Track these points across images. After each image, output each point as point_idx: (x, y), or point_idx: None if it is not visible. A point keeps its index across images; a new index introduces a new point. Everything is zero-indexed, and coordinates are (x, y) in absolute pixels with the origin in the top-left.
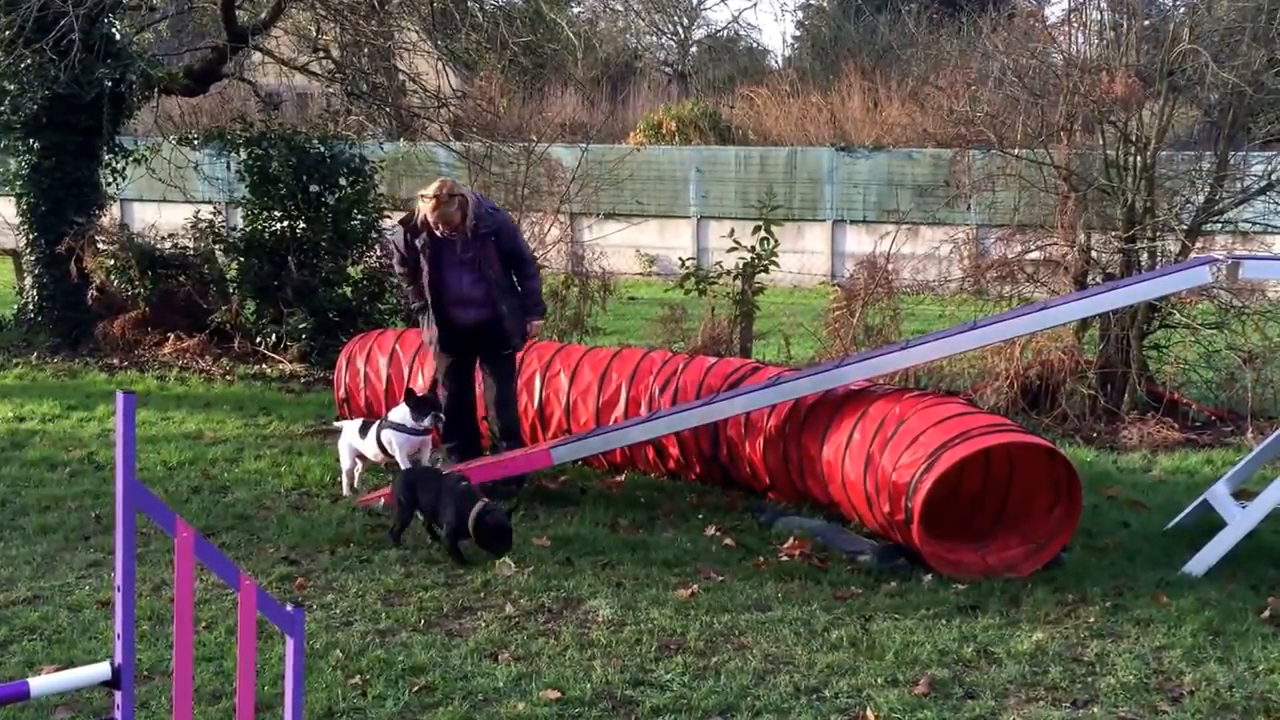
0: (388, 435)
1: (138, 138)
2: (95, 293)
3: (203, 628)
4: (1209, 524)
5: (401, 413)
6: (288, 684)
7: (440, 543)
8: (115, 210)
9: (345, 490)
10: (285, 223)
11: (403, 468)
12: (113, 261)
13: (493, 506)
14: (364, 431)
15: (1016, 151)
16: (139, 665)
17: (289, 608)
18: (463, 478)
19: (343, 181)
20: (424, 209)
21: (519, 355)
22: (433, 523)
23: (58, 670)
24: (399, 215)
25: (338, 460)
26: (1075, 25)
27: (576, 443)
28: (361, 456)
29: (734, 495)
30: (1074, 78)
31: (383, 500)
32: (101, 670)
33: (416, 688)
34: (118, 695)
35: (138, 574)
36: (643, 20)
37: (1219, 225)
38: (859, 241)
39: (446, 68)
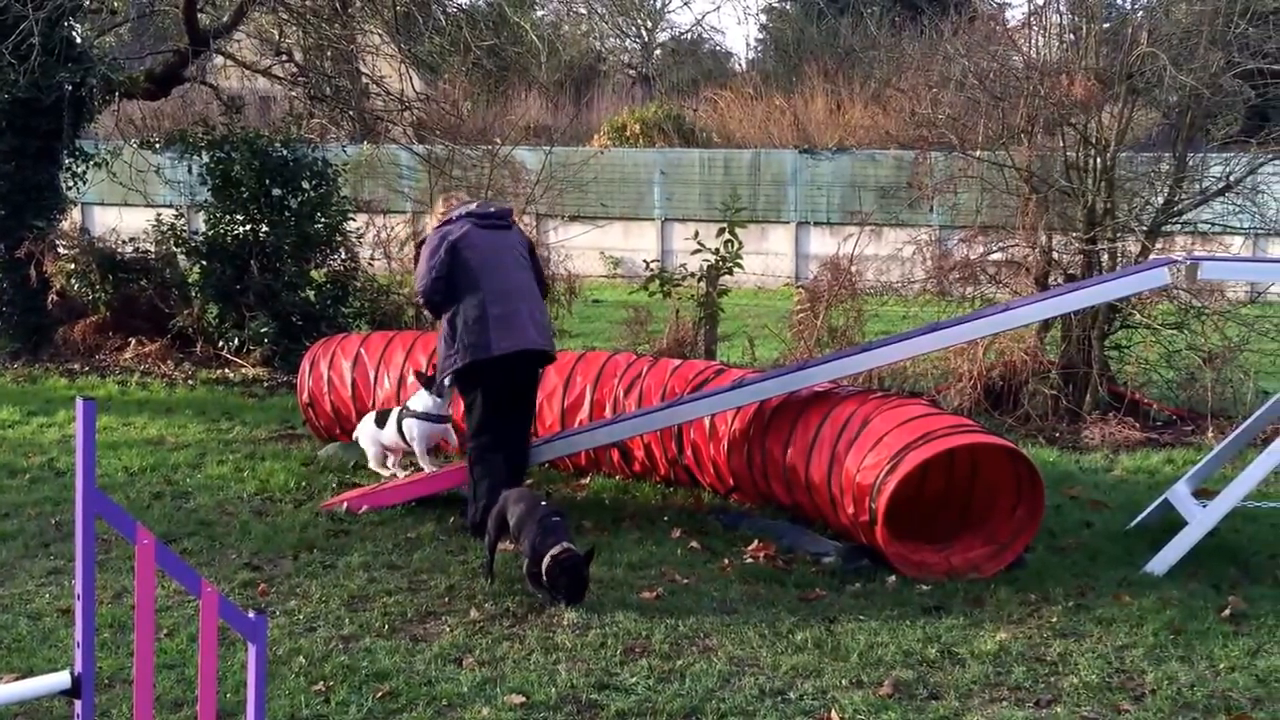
0: (408, 424)
1: (99, 141)
2: (55, 297)
3: (164, 635)
4: (1170, 523)
5: (422, 400)
6: (250, 691)
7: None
8: (76, 214)
9: (387, 473)
10: (248, 226)
11: (420, 459)
12: (73, 266)
13: (570, 548)
14: (382, 421)
15: (978, 153)
16: (99, 674)
17: (251, 614)
18: (557, 511)
19: (305, 185)
20: None
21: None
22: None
23: (16, 679)
24: (363, 218)
25: (302, 464)
26: (1035, 28)
27: (541, 446)
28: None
29: (699, 498)
30: (1034, 80)
31: (346, 505)
32: (61, 679)
33: (380, 694)
34: (78, 704)
35: (98, 581)
36: (606, 23)
37: (1178, 226)
38: (823, 243)
39: (410, 71)
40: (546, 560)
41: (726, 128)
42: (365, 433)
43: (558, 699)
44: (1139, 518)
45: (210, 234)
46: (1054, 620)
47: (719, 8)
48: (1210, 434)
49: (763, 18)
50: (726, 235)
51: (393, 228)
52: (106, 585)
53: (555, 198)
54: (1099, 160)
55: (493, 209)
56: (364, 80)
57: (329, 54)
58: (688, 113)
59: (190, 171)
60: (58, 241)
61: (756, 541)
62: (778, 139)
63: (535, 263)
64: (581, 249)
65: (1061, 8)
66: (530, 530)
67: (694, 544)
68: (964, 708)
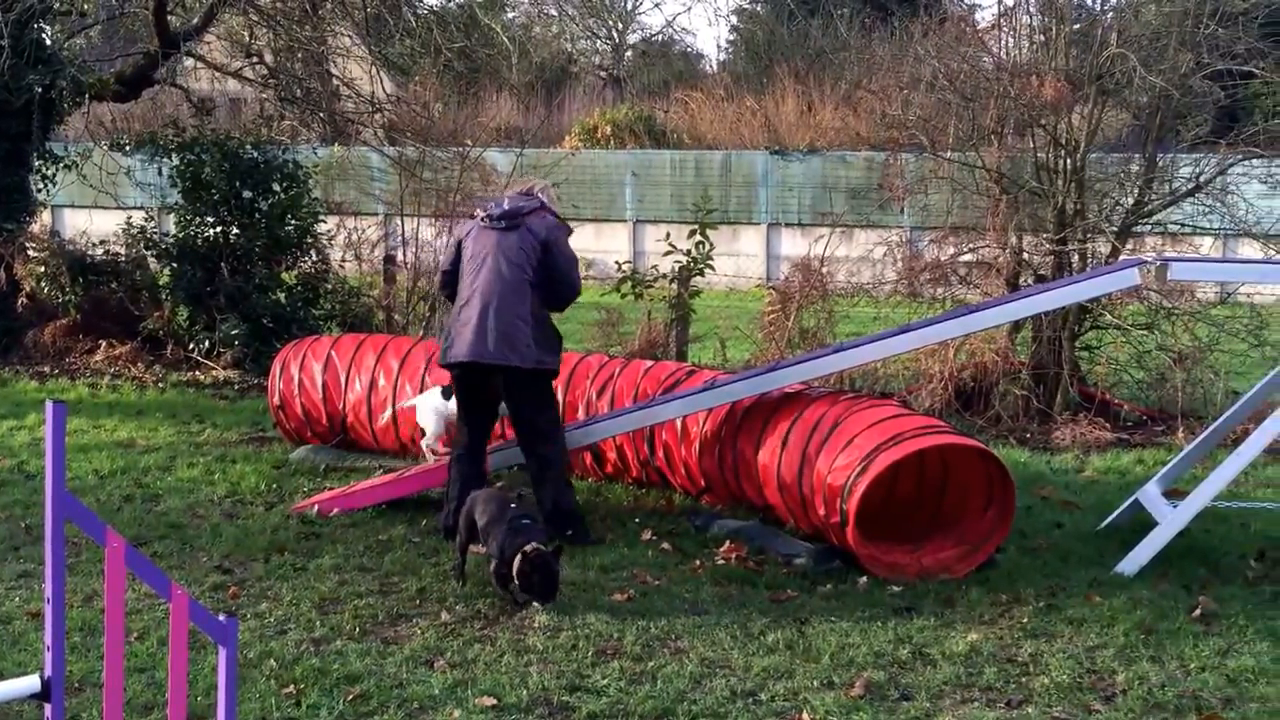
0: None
1: (69, 143)
2: (25, 300)
3: (134, 638)
4: (1141, 523)
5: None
6: (220, 694)
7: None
8: (46, 217)
9: (432, 456)
10: (218, 228)
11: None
12: (43, 268)
13: (539, 547)
14: (450, 394)
15: (948, 154)
16: (69, 677)
17: (222, 617)
18: (527, 514)
19: (276, 187)
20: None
21: None
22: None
23: None
24: (333, 220)
25: (273, 467)
26: (1005, 30)
27: (511, 448)
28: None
29: (671, 499)
30: (1004, 81)
31: (317, 508)
32: (31, 683)
33: (351, 696)
34: (48, 708)
35: (68, 585)
36: (577, 25)
37: (1148, 227)
38: (794, 244)
39: (380, 73)
40: (518, 560)
41: (697, 129)
42: (430, 406)
43: (529, 701)
44: (1110, 518)
45: (181, 236)
46: (1025, 621)
47: (690, 9)
48: (1180, 434)
49: (733, 19)
50: (698, 236)
51: (364, 230)
52: (77, 589)
53: None
54: (1069, 161)
55: (504, 208)
56: (334, 82)
57: (299, 56)
58: (659, 114)
59: (160, 174)
60: (27, 244)
61: (728, 543)
62: (749, 140)
63: (547, 263)
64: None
65: (1031, 9)
66: (499, 532)
67: (665, 545)
68: (935, 708)
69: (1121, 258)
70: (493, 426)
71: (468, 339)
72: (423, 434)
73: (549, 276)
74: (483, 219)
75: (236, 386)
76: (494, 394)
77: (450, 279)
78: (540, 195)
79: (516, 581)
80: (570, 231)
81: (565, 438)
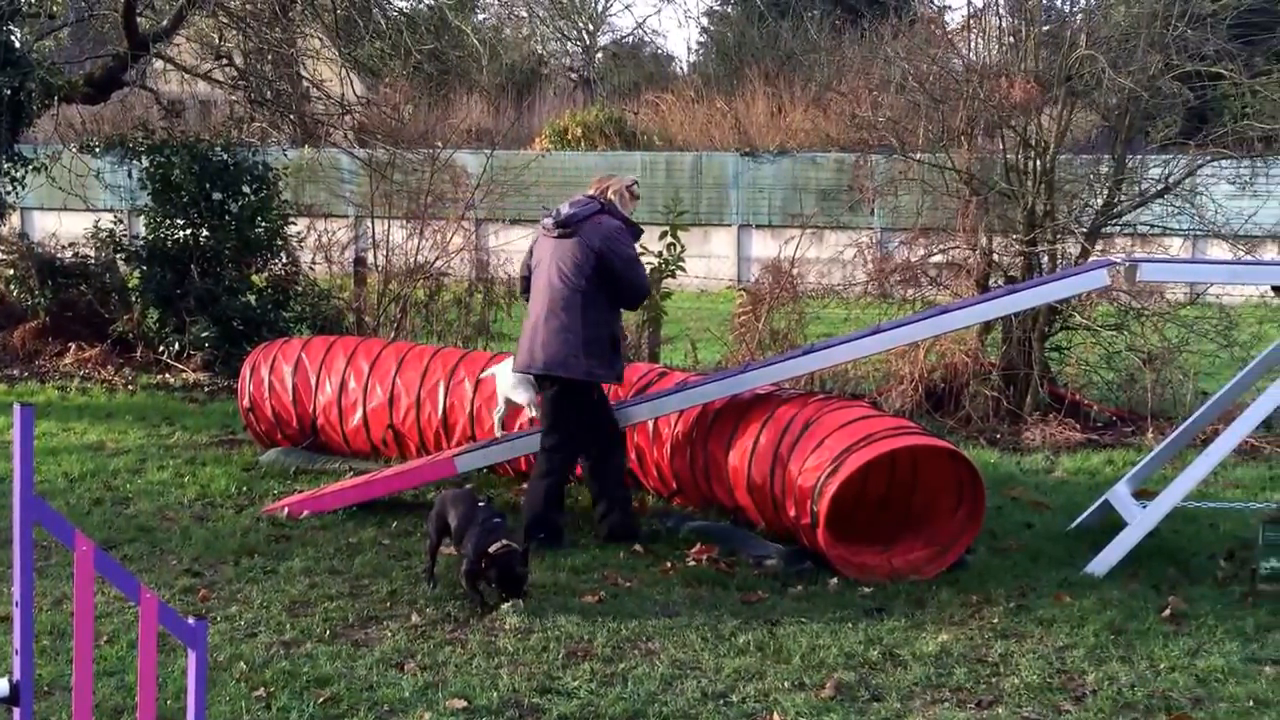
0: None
1: (38, 145)
2: None
3: (104, 642)
4: (1110, 524)
5: None
6: (190, 698)
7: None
8: (15, 219)
9: (501, 429)
10: (188, 231)
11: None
12: (12, 271)
13: (509, 545)
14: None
15: (918, 156)
16: (38, 681)
17: (191, 620)
18: (499, 514)
19: (246, 189)
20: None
21: None
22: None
23: None
24: (304, 222)
25: (243, 470)
26: (975, 31)
27: (481, 450)
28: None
29: (642, 501)
30: (974, 83)
31: (287, 510)
32: None
33: (322, 699)
34: (16, 712)
35: (37, 588)
36: (548, 26)
37: (1118, 228)
38: (764, 246)
39: (350, 74)
40: (485, 559)
41: (668, 131)
42: (514, 380)
43: (500, 703)
44: (1080, 519)
45: (150, 238)
46: (995, 621)
47: (660, 11)
48: (1150, 435)
49: (704, 21)
50: (669, 238)
51: (334, 232)
52: (46, 592)
53: (496, 201)
54: (1039, 162)
55: (564, 213)
56: (304, 84)
57: (269, 58)
58: (629, 116)
59: (130, 176)
60: None
61: (699, 544)
62: (719, 142)
63: (603, 270)
64: (523, 252)
65: (1001, 10)
66: (473, 534)
67: (637, 547)
68: (906, 709)
69: (1091, 259)
70: (574, 431)
71: (524, 349)
72: (505, 405)
73: (607, 282)
74: (544, 225)
75: (206, 389)
76: (552, 404)
77: (526, 284)
78: (611, 196)
79: (489, 573)
80: (639, 232)
81: (620, 452)
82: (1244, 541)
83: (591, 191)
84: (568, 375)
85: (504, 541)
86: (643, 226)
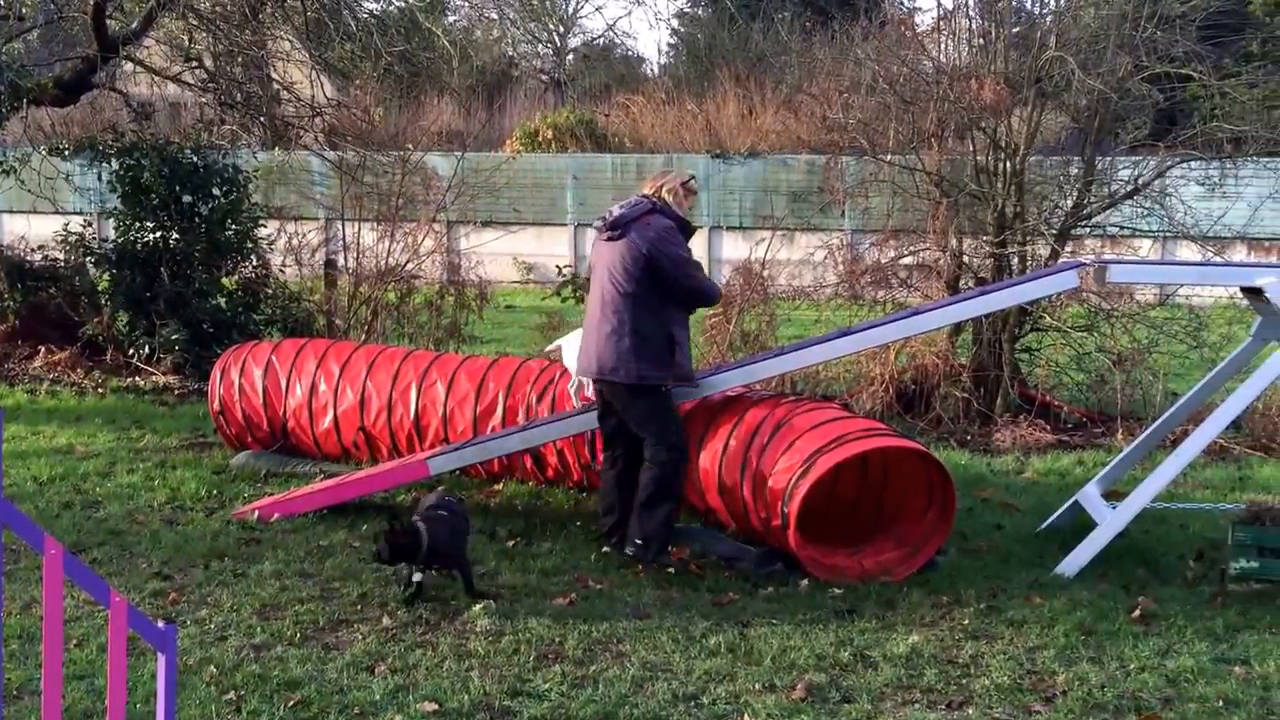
0: None
1: (7, 148)
2: None
3: (73, 645)
4: (1080, 525)
5: None
6: (160, 701)
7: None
8: None
9: (579, 402)
10: (158, 233)
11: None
12: None
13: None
14: None
15: (889, 158)
16: (8, 685)
17: (161, 624)
18: (443, 505)
19: (216, 191)
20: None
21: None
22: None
23: None
24: (274, 224)
25: (214, 473)
26: (945, 33)
27: (454, 453)
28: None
29: None
30: (944, 85)
31: (257, 513)
32: None
33: (292, 703)
34: None
35: (6, 592)
36: (518, 29)
37: (1087, 229)
38: (735, 247)
39: (321, 77)
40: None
41: (639, 133)
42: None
43: (470, 706)
44: (1050, 520)
45: (120, 241)
46: (966, 622)
47: (630, 13)
48: (1120, 436)
49: (674, 23)
50: None
51: (304, 234)
52: (15, 596)
53: (467, 203)
54: (1009, 164)
55: (614, 214)
56: (275, 86)
57: (239, 60)
58: (600, 118)
59: (100, 178)
60: None
61: (670, 547)
62: (690, 144)
63: (654, 272)
64: (494, 255)
65: (971, 12)
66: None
67: (607, 549)
68: (876, 710)
69: (1061, 260)
70: (629, 437)
71: (581, 352)
72: (577, 379)
73: (658, 284)
74: (596, 227)
75: (176, 392)
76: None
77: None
78: (665, 194)
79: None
80: (691, 230)
81: (676, 459)
82: (1213, 542)
83: (646, 190)
84: (618, 379)
85: (416, 517)
86: (695, 225)
